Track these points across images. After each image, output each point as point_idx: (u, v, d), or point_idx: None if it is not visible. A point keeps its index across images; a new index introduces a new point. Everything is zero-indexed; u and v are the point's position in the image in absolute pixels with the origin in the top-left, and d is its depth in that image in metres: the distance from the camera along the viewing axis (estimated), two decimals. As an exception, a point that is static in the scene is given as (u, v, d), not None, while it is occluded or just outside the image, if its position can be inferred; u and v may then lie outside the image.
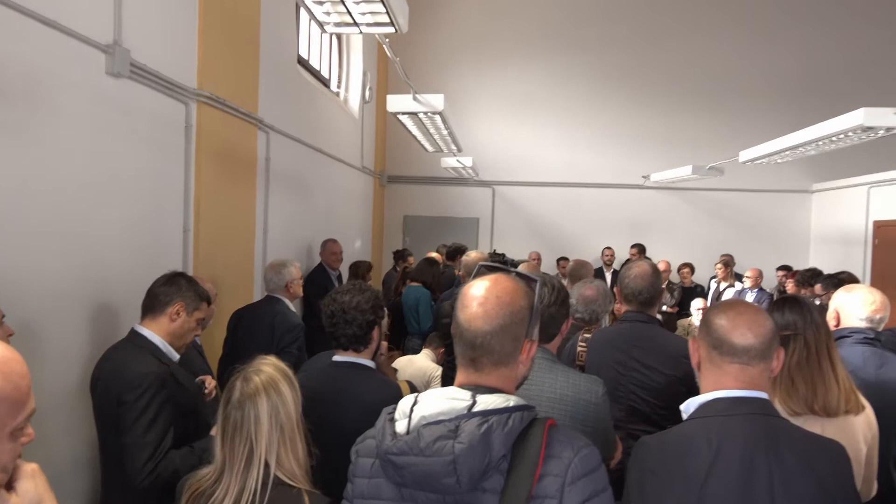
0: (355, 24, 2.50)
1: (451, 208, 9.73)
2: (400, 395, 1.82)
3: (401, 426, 1.24)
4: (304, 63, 6.44)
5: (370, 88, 8.21)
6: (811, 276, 6.35)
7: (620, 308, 2.64)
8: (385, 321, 2.42)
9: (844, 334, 2.59)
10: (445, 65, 9.52)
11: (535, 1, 9.42)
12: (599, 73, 9.38)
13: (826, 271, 6.38)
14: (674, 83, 9.27)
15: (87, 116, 2.81)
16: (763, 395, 1.46)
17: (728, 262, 7.80)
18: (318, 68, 7.08)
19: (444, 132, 5.10)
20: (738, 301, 1.58)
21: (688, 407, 1.53)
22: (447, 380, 1.38)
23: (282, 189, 5.27)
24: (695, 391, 1.55)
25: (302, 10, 6.17)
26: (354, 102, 8.06)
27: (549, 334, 1.95)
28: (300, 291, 3.77)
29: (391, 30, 2.58)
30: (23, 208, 2.45)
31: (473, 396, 1.21)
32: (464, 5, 9.55)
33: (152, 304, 2.35)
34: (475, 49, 9.51)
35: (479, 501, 1.18)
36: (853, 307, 2.60)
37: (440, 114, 4.31)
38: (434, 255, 6.39)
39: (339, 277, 6.05)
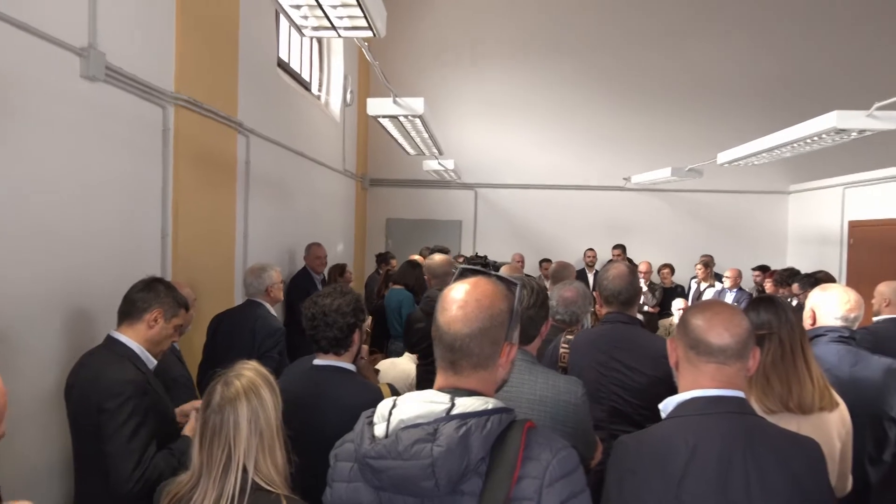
0: (333, 27, 2.49)
1: (433, 211, 9.73)
2: (381, 399, 1.82)
3: (379, 430, 1.23)
4: (284, 66, 6.40)
5: (351, 92, 8.19)
6: (789, 276, 6.45)
7: (601, 310, 2.66)
8: (367, 324, 2.41)
9: (820, 333, 2.63)
10: (427, 68, 9.53)
11: (516, 4, 9.47)
12: (580, 76, 9.45)
13: (803, 271, 6.49)
14: (654, 86, 9.37)
15: (61, 120, 2.77)
16: (740, 393, 1.48)
17: (708, 262, 7.89)
18: (298, 71, 7.04)
19: (425, 135, 5.10)
20: (714, 301, 1.60)
21: (666, 406, 1.54)
22: (425, 384, 1.37)
23: (262, 193, 5.23)
24: (675, 391, 1.57)
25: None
26: (336, 106, 8.04)
27: (528, 336, 1.95)
28: (281, 296, 3.75)
29: (369, 34, 2.57)
30: (-5, 214, 2.41)
31: (452, 399, 1.21)
32: (445, 9, 9.57)
33: (129, 310, 2.32)
34: (456, 52, 9.53)
35: None
36: (828, 306, 2.64)
37: (420, 117, 4.31)
38: (417, 257, 6.38)
39: (324, 281, 6.02)
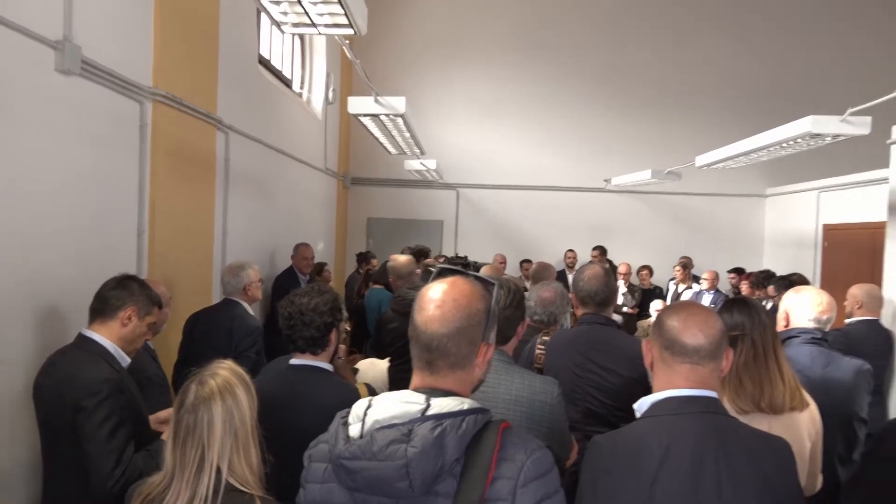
0: (313, 24, 2.47)
1: (415, 211, 9.72)
2: (357, 399, 1.81)
3: (354, 430, 1.23)
4: (265, 63, 6.35)
5: (333, 90, 8.15)
6: (764, 278, 6.56)
7: (578, 311, 2.67)
8: (344, 324, 2.40)
9: (793, 334, 2.67)
10: (409, 67, 9.52)
11: (498, 5, 9.49)
12: (562, 78, 9.50)
13: (779, 273, 6.60)
14: (635, 89, 9.45)
15: (35, 115, 2.72)
16: (712, 394, 1.50)
17: (686, 264, 7.98)
18: (280, 69, 6.99)
19: (407, 134, 5.09)
20: (689, 303, 1.62)
21: (641, 406, 1.55)
22: (398, 385, 1.36)
23: (242, 190, 5.18)
24: (650, 392, 1.58)
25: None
26: (317, 104, 7.99)
27: (505, 336, 1.96)
28: (259, 294, 3.71)
29: (350, 31, 2.56)
30: (-36, 209, 2.36)
31: (428, 400, 1.21)
32: (428, 8, 9.56)
33: (102, 308, 2.28)
34: (439, 52, 9.53)
35: None
36: (802, 308, 2.69)
37: (402, 116, 4.30)
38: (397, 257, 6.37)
39: (310, 282, 5.98)
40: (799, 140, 4.26)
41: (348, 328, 4.52)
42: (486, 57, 9.52)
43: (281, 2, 2.36)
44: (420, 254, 6.63)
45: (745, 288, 6.86)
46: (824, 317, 2.67)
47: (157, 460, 2.04)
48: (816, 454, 2.12)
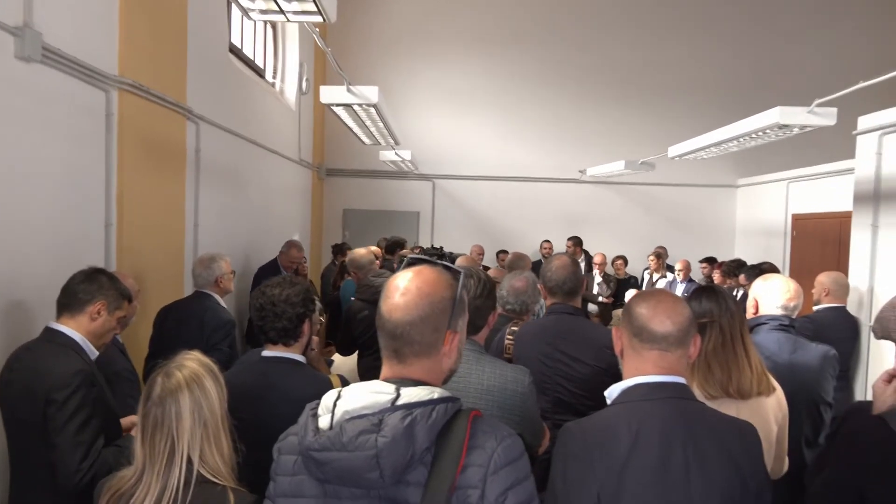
0: (281, 11, 2.43)
1: (391, 202, 9.69)
2: (331, 390, 1.80)
3: (324, 421, 1.22)
4: (236, 52, 6.24)
5: (307, 80, 8.06)
6: (736, 267, 6.67)
7: (547, 301, 2.68)
8: (317, 315, 2.38)
9: (762, 321, 2.72)
10: (384, 58, 9.45)
11: (474, -5, 9.47)
12: (537, 70, 9.52)
13: (750, 262, 6.72)
14: (609, 81, 9.52)
15: (-6, 103, 2.64)
16: (681, 379, 1.52)
17: (661, 254, 8.07)
18: (252, 58, 6.88)
19: (381, 125, 5.05)
20: (658, 290, 1.64)
21: (611, 393, 1.57)
22: (368, 376, 1.35)
23: (214, 182, 5.10)
24: (619, 381, 1.59)
25: (234, -3, 5.98)
26: (291, 94, 7.89)
27: (476, 326, 1.96)
28: (231, 286, 3.66)
29: (319, 19, 2.52)
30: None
31: (397, 389, 1.21)
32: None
33: (70, 302, 2.23)
34: (414, 43, 9.48)
35: (402, 495, 1.18)
36: (770, 296, 2.74)
37: (375, 106, 4.26)
38: (373, 248, 6.34)
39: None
40: (768, 131, 4.32)
41: (322, 319, 4.47)
42: (461, 48, 9.50)
43: (248, -12, 2.32)
44: (396, 245, 6.62)
45: (717, 277, 6.97)
46: (792, 304, 2.72)
47: (126, 455, 2.01)
48: (783, 438, 2.16)
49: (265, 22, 7.13)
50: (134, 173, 3.71)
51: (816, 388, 2.59)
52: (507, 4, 9.48)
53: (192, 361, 1.61)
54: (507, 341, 2.59)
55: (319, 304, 2.93)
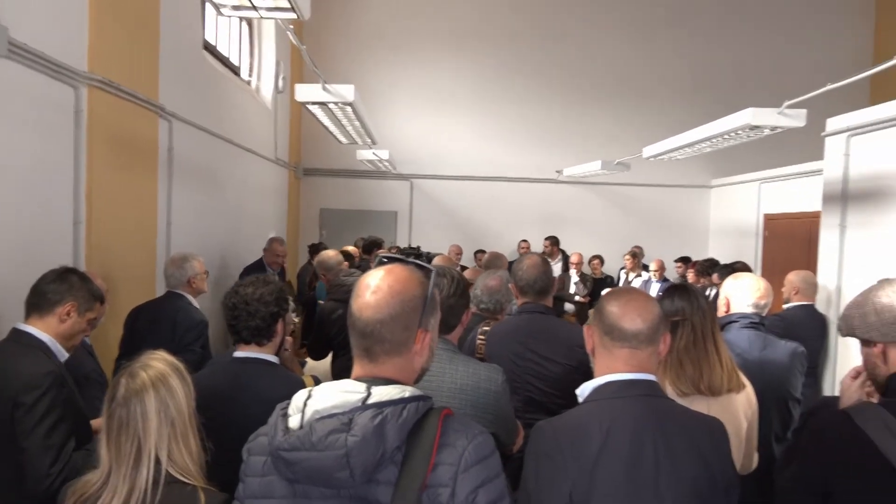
0: (254, 7, 2.40)
1: (368, 201, 9.65)
2: (304, 390, 1.78)
3: (294, 421, 1.21)
4: (211, 49, 6.16)
5: (283, 78, 7.98)
6: (709, 266, 6.77)
7: (519, 300, 2.69)
8: (291, 315, 2.36)
9: (733, 319, 2.77)
10: (362, 56, 9.41)
11: (452, -5, 9.47)
12: (514, 70, 9.56)
13: (723, 261, 6.82)
14: (586, 81, 9.59)
15: (-44, 98, 2.57)
16: (651, 377, 1.53)
17: (637, 253, 8.16)
18: (227, 55, 6.80)
19: (357, 124, 5.03)
20: (628, 289, 1.65)
21: (583, 391, 1.58)
22: (344, 376, 1.35)
23: (187, 180, 5.02)
24: (590, 378, 1.61)
25: (208, -6, 5.90)
26: (267, 92, 7.82)
27: (449, 325, 1.96)
28: (204, 287, 3.61)
29: (292, 15, 2.49)
30: None
31: (368, 388, 1.20)
32: (380, -3, 9.47)
33: (39, 302, 2.18)
34: (392, 42, 9.45)
35: (373, 494, 1.17)
36: (741, 294, 2.79)
37: (351, 105, 4.24)
38: (350, 248, 6.32)
39: (280, 277, 5.84)
40: (739, 132, 4.39)
41: (296, 320, 4.43)
42: (439, 47, 9.50)
43: (220, -17, 2.29)
44: (373, 245, 6.60)
45: (691, 276, 7.06)
46: (762, 302, 2.78)
47: (97, 460, 1.98)
48: (752, 434, 2.20)
49: (240, 19, 7.04)
50: (104, 171, 3.64)
51: (785, 384, 2.64)
52: (485, 4, 9.50)
53: (158, 361, 1.59)
54: (478, 341, 2.60)
55: (293, 304, 2.90)
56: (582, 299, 7.78)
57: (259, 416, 1.52)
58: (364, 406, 1.17)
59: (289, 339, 2.35)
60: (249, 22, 7.54)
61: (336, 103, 4.17)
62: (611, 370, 1.53)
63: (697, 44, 9.57)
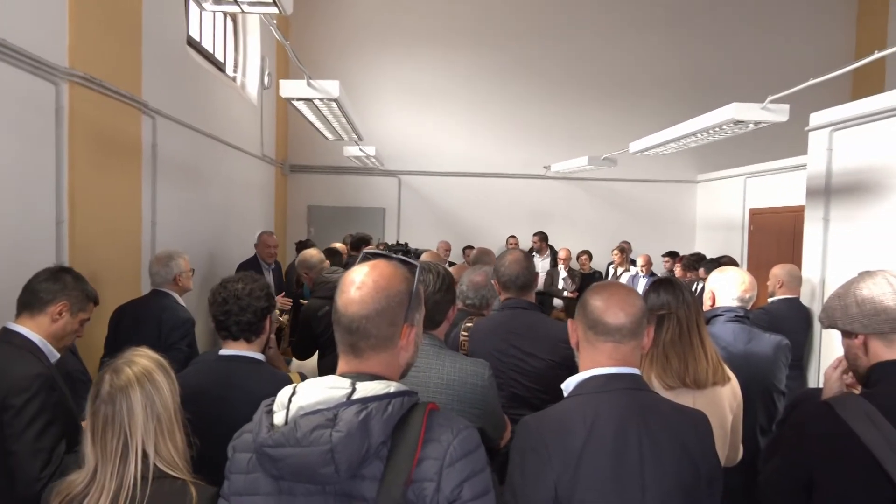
0: (236, 2, 2.38)
1: (356, 198, 9.62)
2: (291, 388, 1.78)
3: (278, 418, 1.21)
4: (195, 45, 6.11)
5: (269, 74, 7.92)
6: (696, 261, 6.80)
7: (502, 296, 2.69)
8: (277, 313, 2.35)
9: (718, 313, 2.79)
10: (349, 52, 9.37)
11: (438, -9, 9.45)
12: (501, 66, 9.56)
13: (709, 256, 6.87)
14: (572, 77, 9.61)
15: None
16: (635, 370, 1.54)
17: (624, 248, 8.20)
18: (211, 51, 6.74)
19: (343, 120, 5.00)
20: (611, 283, 1.66)
21: (568, 385, 1.59)
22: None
23: (172, 178, 4.98)
24: (574, 373, 1.61)
25: (192, -11, 5.84)
26: (252, 88, 7.76)
27: (435, 321, 1.96)
28: (190, 285, 3.58)
29: (274, 10, 2.47)
30: None
31: (353, 384, 1.20)
32: (366, -8, 9.43)
33: (31, 301, 2.16)
34: (379, 38, 9.42)
35: (358, 489, 1.17)
36: (726, 288, 2.81)
37: (336, 101, 4.21)
38: (338, 245, 6.29)
39: (275, 272, 5.78)
40: (724, 126, 4.42)
41: (283, 319, 4.42)
42: (427, 43, 9.48)
43: (201, -23, 2.26)
44: (361, 241, 6.57)
45: (678, 270, 7.10)
46: (747, 295, 2.80)
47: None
48: (737, 426, 2.22)
49: (224, 14, 6.98)
50: (86, 168, 3.60)
51: (770, 376, 2.67)
52: (471, 3, 9.49)
53: (141, 357, 1.60)
54: (461, 337, 2.60)
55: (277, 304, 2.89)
56: (570, 294, 7.80)
57: (246, 414, 1.51)
58: (349, 401, 1.17)
59: (272, 337, 2.34)
60: (234, 17, 7.48)
61: (321, 99, 4.15)
62: (595, 364, 1.54)
63: (683, 41, 9.61)
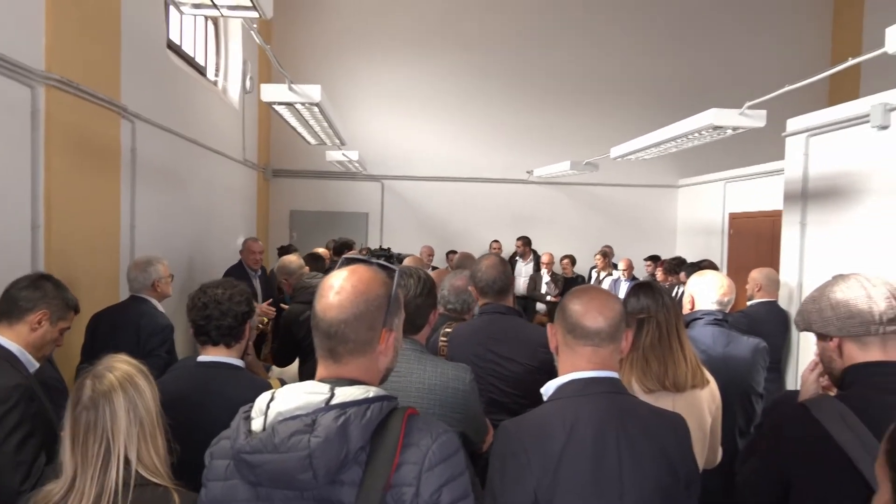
0: (214, 6, 2.36)
1: (339, 203, 9.58)
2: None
3: (257, 424, 1.20)
4: (175, 48, 6.06)
5: (251, 78, 7.88)
6: (677, 265, 6.87)
7: (480, 301, 2.69)
8: (256, 319, 2.33)
9: (697, 316, 2.82)
10: (331, 57, 9.35)
11: (421, -4, 9.47)
12: (485, 71, 9.60)
13: (690, 259, 6.94)
14: (555, 82, 9.67)
15: None
16: (613, 374, 1.55)
17: (607, 253, 8.26)
18: (192, 55, 6.69)
19: (325, 124, 4.98)
20: (590, 287, 1.67)
21: (547, 390, 1.59)
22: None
23: (152, 182, 4.92)
24: (553, 378, 1.62)
25: (172, -8, 5.78)
26: (234, 92, 7.71)
27: (416, 325, 1.96)
28: (169, 290, 3.54)
29: (254, 14, 2.46)
30: None
31: (332, 389, 1.20)
32: (349, -3, 9.42)
33: (10, 309, 2.12)
34: (361, 42, 9.41)
35: (337, 495, 1.17)
36: (705, 291, 2.84)
37: (318, 105, 4.20)
38: (320, 250, 6.26)
39: (262, 278, 5.69)
40: (703, 132, 4.47)
41: (262, 324, 4.37)
42: (409, 48, 9.49)
43: (180, -19, 2.25)
44: (344, 246, 6.55)
45: (659, 274, 7.17)
46: (726, 299, 2.83)
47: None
48: (716, 428, 2.24)
49: (205, 18, 6.94)
50: (64, 172, 3.55)
51: (748, 379, 2.70)
52: (454, 6, 9.52)
53: (121, 363, 1.58)
54: (440, 343, 2.60)
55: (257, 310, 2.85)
56: (553, 299, 7.84)
57: (225, 421, 1.50)
58: (327, 407, 1.17)
59: (250, 343, 2.32)
60: (215, 21, 7.43)
61: (303, 103, 4.13)
62: (574, 368, 1.54)
63: (665, 47, 9.72)
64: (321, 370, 1.29)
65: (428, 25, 9.48)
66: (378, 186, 9.65)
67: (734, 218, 8.10)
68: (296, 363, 3.71)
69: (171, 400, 1.72)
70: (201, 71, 6.96)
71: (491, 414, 2.26)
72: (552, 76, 9.66)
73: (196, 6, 2.42)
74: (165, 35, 5.54)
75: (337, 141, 6.07)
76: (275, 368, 3.49)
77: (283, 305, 4.38)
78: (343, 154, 7.44)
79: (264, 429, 1.17)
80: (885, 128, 3.78)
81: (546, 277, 7.99)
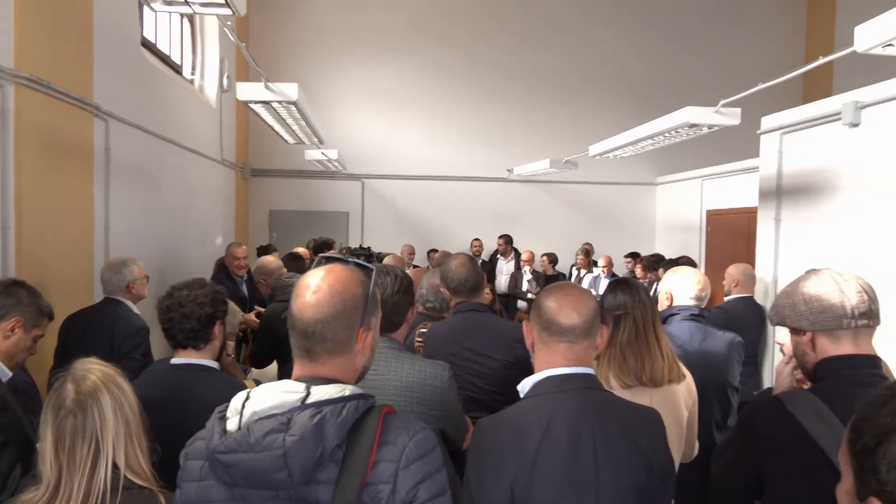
0: (186, 3, 2.33)
1: (319, 202, 9.53)
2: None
3: (232, 423, 1.19)
4: (150, 46, 5.96)
5: (228, 77, 7.79)
6: (655, 262, 6.95)
7: (453, 301, 2.68)
8: (232, 318, 2.30)
9: (674, 312, 2.85)
10: (310, 56, 9.30)
11: (400, -6, 9.45)
12: (464, 69, 9.61)
13: (668, 256, 7.02)
14: (534, 80, 9.71)
15: None
16: (589, 370, 1.56)
17: (588, 250, 8.31)
18: (168, 53, 6.59)
19: (303, 123, 4.95)
20: (565, 284, 1.67)
21: (524, 387, 1.59)
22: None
23: (126, 182, 4.84)
24: (529, 373, 1.62)
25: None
26: (211, 91, 7.62)
27: (394, 323, 1.95)
28: (144, 292, 3.49)
29: (227, 11, 2.43)
30: None
31: (308, 388, 1.19)
32: (328, -5, 9.36)
33: None
34: (340, 41, 9.37)
35: (313, 494, 1.16)
36: (682, 287, 2.87)
37: (295, 103, 4.16)
38: (300, 250, 6.21)
39: (248, 283, 5.51)
40: (679, 129, 4.52)
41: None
42: (388, 47, 9.46)
43: (150, -23, 2.21)
44: (325, 246, 6.51)
45: (638, 271, 7.23)
46: (703, 294, 2.87)
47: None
48: (693, 422, 2.26)
49: (181, 15, 6.84)
50: (34, 173, 3.47)
51: (724, 373, 2.73)
52: (432, 4, 9.51)
53: (99, 365, 1.56)
54: (416, 343, 2.60)
55: (237, 307, 2.82)
56: (534, 296, 7.87)
57: (200, 423, 1.48)
58: (303, 405, 1.16)
59: (230, 343, 2.29)
60: (191, 19, 7.34)
61: (280, 102, 4.09)
62: (549, 365, 1.55)
63: (642, 45, 9.81)
64: (297, 369, 1.28)
65: (407, 23, 9.46)
66: (358, 185, 9.61)
67: (711, 215, 8.20)
68: (274, 365, 3.67)
69: (145, 403, 1.70)
70: (177, 69, 6.87)
71: (469, 412, 2.26)
72: (532, 75, 9.70)
73: (168, 3, 2.38)
74: (140, 33, 5.46)
75: (315, 140, 6.03)
76: (253, 370, 3.45)
77: (258, 308, 4.34)
78: (322, 153, 7.40)
79: (239, 428, 1.16)
80: (856, 125, 3.85)
81: (527, 275, 8.02)
